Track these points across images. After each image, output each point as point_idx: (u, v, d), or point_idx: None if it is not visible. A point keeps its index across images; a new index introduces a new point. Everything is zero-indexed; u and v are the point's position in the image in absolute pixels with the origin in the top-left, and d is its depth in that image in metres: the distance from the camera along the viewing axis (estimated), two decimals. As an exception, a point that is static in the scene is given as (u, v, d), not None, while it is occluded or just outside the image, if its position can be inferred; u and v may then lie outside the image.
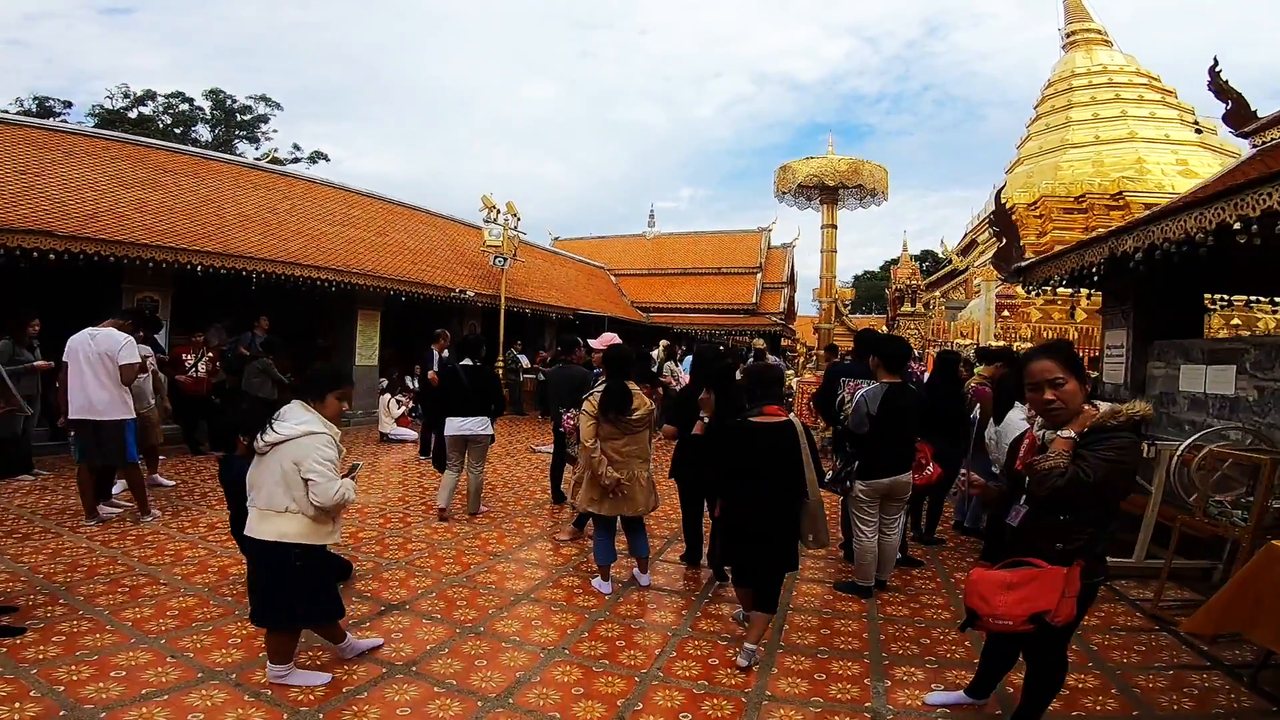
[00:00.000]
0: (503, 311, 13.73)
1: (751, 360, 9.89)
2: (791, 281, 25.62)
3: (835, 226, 12.76)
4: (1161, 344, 6.10)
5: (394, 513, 6.04)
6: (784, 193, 12.85)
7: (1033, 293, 7.56)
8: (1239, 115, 6.96)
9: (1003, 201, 7.82)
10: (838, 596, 4.23)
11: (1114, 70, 18.30)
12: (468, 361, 6.09)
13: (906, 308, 15.28)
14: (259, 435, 2.79)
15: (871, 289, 52.98)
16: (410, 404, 11.65)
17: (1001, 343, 14.89)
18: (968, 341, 14.26)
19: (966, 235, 28.20)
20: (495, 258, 13.95)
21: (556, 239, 28.56)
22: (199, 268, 8.84)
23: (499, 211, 14.66)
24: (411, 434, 10.18)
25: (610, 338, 4.68)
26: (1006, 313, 15.99)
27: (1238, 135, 7.00)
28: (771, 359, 12.12)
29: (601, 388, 4.03)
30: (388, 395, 10.31)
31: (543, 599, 4.07)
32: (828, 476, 4.07)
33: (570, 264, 22.85)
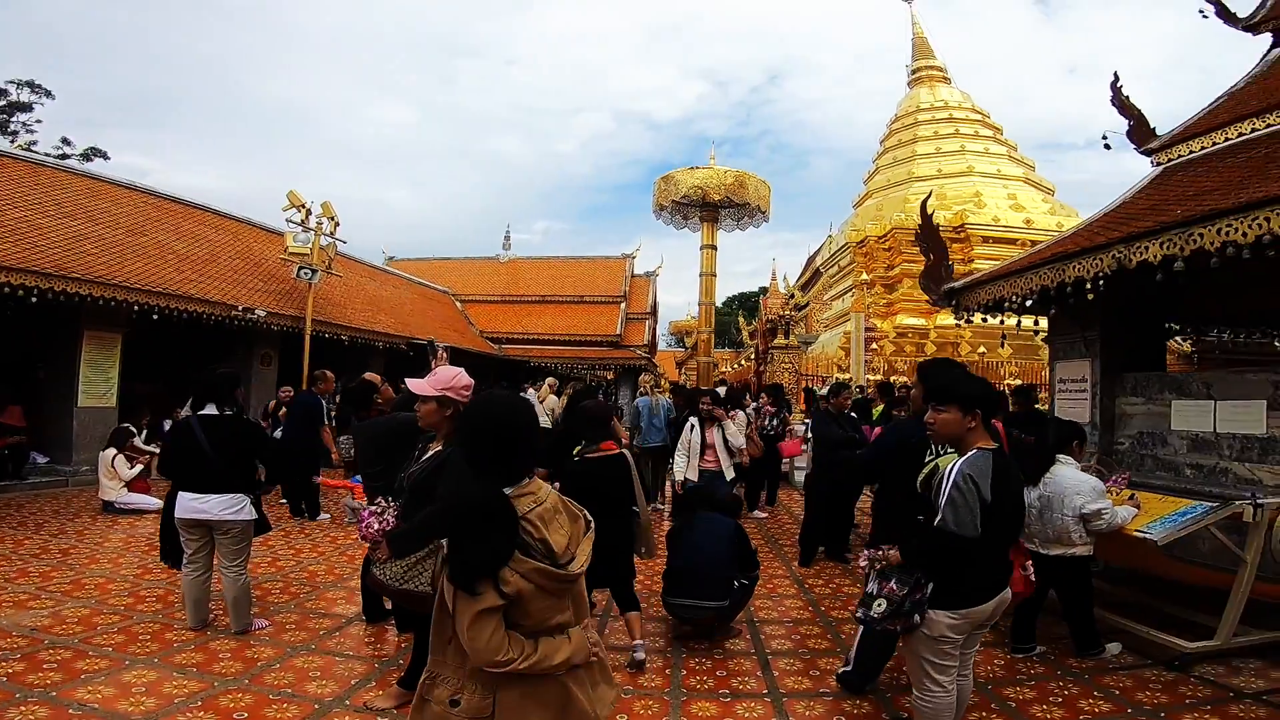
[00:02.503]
0: (308, 337, 10.71)
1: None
2: (654, 313, 24.44)
3: (715, 247, 11.52)
4: (1138, 377, 5.14)
5: (60, 647, 3.32)
6: (662, 207, 11.41)
7: (963, 319, 6.51)
8: (1140, 133, 6.86)
9: (929, 212, 6.77)
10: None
11: (954, 106, 19.36)
12: (212, 410, 3.86)
13: (780, 340, 14.39)
14: None
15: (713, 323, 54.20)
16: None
17: (878, 376, 14.49)
18: (846, 375, 13.61)
19: (806, 270, 29.14)
20: (301, 269, 10.93)
21: (392, 259, 25.16)
22: None
23: (309, 212, 11.67)
24: (153, 502, 7.01)
25: (448, 375, 2.47)
26: (875, 345, 15.79)
27: (1140, 152, 6.76)
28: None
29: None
30: (112, 450, 7.05)
31: None
32: (879, 608, 2.26)
33: (407, 286, 19.78)
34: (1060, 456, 3.49)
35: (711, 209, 11.20)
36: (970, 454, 2.19)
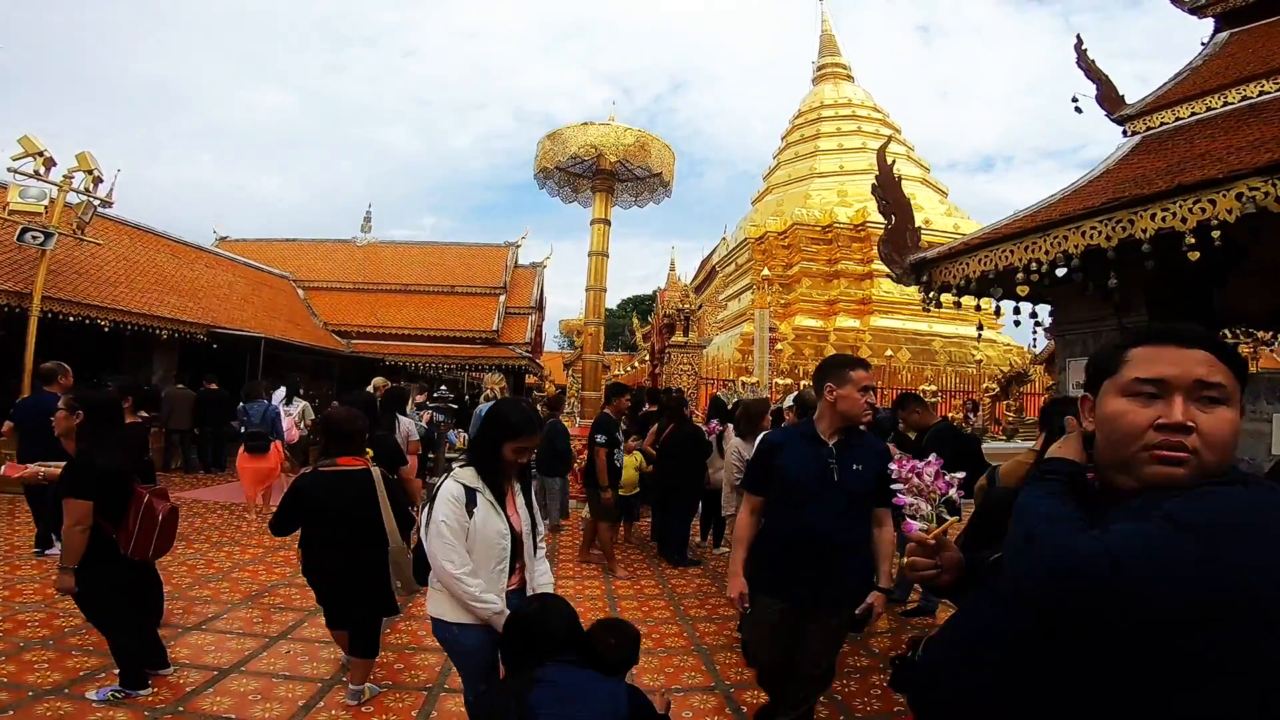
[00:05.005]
0: (34, 318, 7.55)
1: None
2: (540, 308, 21.95)
3: (609, 222, 9.50)
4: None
5: None
6: (547, 173, 9.22)
7: (934, 301, 4.94)
8: (1110, 98, 5.97)
9: (889, 163, 5.15)
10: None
11: (857, 104, 18.70)
12: None
13: (678, 337, 12.64)
14: None
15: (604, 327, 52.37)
16: None
17: (788, 380, 13.13)
18: (754, 379, 12.10)
19: (700, 273, 28.05)
20: (25, 231, 7.73)
21: (224, 239, 21.12)
22: None
23: (50, 162, 8.45)
24: None
25: None
26: (780, 346, 14.50)
27: (1112, 120, 5.88)
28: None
29: None
30: None
31: None
32: None
33: (229, 267, 16.13)
34: None
35: (606, 177, 9.20)
36: None
